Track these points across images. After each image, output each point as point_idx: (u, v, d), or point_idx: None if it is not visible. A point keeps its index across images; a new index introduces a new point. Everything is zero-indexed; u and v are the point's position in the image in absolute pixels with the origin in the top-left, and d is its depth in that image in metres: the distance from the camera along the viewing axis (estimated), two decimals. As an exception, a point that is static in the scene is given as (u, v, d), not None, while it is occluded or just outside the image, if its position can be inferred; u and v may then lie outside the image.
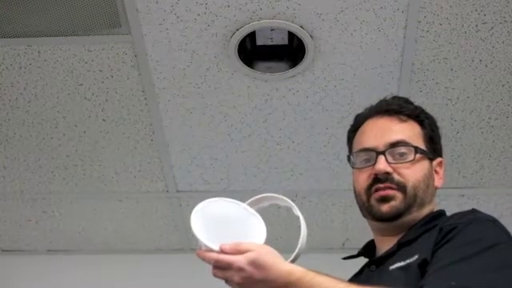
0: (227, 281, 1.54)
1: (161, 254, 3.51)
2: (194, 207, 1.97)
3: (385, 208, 1.70)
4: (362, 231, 1.90)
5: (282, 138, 2.89)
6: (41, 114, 2.79)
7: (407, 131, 1.76)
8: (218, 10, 2.37)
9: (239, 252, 1.51)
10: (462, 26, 2.43)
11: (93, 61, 2.59)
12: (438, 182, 1.78)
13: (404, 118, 1.78)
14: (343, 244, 3.36)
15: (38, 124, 2.83)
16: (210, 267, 1.56)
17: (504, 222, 1.62)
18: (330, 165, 2.98)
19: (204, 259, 1.56)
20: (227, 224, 1.60)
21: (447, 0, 2.35)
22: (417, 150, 1.73)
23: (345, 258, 1.81)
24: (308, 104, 2.73)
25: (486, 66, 2.57)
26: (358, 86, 2.66)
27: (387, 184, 1.70)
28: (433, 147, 1.78)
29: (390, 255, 1.68)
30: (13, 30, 2.46)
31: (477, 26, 2.43)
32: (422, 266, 1.56)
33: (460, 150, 2.89)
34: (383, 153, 1.72)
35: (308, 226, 1.66)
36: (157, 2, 2.36)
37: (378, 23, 2.42)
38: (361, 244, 1.84)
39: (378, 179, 1.71)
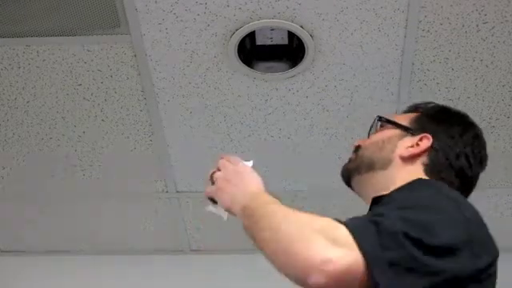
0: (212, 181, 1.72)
1: (161, 254, 3.51)
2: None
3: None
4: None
5: (281, 137, 2.88)
6: (40, 114, 2.79)
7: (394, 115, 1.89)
8: (217, 9, 2.36)
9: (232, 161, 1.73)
10: (463, 25, 2.43)
11: (92, 61, 2.58)
12: (408, 150, 1.75)
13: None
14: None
15: (37, 124, 2.83)
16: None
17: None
18: (330, 165, 2.97)
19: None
20: None
21: (448, 0, 2.35)
22: (380, 118, 1.83)
23: None
24: (308, 104, 2.73)
25: (487, 66, 2.56)
26: (358, 86, 2.65)
27: None
28: (421, 126, 1.80)
29: None
30: (11, 30, 2.46)
31: (477, 25, 2.42)
32: None
33: (461, 150, 2.88)
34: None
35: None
36: (156, 2, 2.35)
37: (378, 23, 2.41)
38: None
39: None
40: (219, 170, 1.73)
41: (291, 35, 2.48)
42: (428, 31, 2.45)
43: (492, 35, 2.45)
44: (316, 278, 1.36)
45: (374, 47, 2.50)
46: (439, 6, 2.36)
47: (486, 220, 1.65)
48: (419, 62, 2.56)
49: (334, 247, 1.37)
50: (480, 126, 2.78)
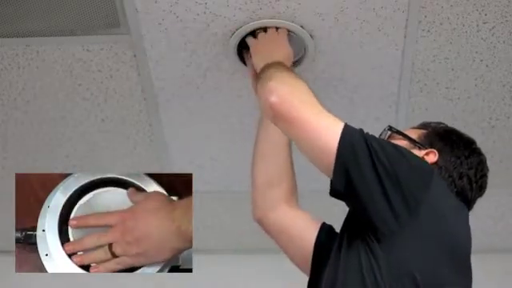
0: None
1: (161, 254, 3.49)
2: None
3: None
4: (362, 232, 1.89)
5: (282, 138, 2.88)
6: (39, 115, 2.78)
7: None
8: (217, 9, 2.36)
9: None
10: (463, 25, 2.43)
11: (92, 61, 2.58)
12: None
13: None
14: (343, 244, 3.34)
15: (36, 124, 2.82)
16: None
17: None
18: (330, 165, 2.96)
19: None
20: None
21: (448, 0, 2.35)
22: (391, 128, 1.98)
23: None
24: (308, 104, 2.72)
25: (487, 65, 2.56)
26: (358, 86, 2.65)
27: None
28: (429, 142, 1.91)
29: None
30: (11, 30, 2.46)
31: (478, 25, 2.42)
32: None
33: (461, 151, 2.88)
34: None
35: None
36: (156, 2, 2.34)
37: (378, 23, 2.41)
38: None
39: None
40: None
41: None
42: (428, 31, 2.45)
43: (492, 35, 2.45)
44: (271, 98, 1.85)
45: (374, 47, 2.50)
46: (439, 6, 2.36)
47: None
48: (419, 62, 2.56)
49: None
50: (480, 126, 2.80)
